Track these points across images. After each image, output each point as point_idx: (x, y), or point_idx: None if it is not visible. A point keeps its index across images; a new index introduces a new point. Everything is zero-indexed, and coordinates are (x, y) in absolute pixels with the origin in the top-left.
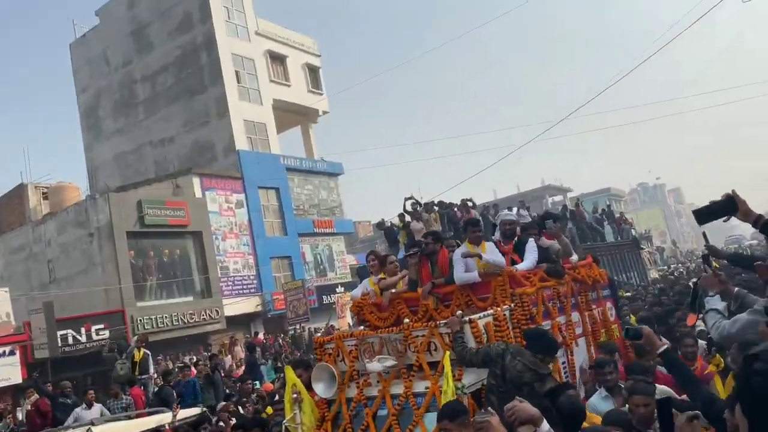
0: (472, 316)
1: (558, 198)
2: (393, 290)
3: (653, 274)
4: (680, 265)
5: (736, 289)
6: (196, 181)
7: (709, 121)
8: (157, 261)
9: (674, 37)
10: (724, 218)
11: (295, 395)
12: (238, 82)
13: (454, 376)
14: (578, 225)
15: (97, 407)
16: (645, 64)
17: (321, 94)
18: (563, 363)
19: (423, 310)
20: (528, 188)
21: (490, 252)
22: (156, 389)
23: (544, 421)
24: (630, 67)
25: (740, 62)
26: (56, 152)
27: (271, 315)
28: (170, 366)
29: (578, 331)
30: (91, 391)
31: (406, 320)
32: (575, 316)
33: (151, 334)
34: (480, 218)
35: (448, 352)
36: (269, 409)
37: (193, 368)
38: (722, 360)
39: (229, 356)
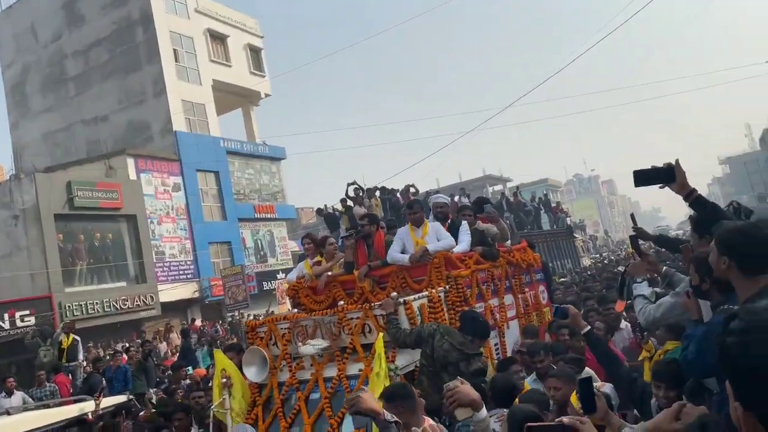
0: (407, 298)
1: (498, 187)
2: (329, 273)
3: (586, 261)
4: (611, 253)
5: (664, 268)
6: (130, 163)
7: (643, 115)
8: (87, 245)
9: (608, 33)
10: (660, 185)
11: (224, 380)
12: (177, 60)
13: (387, 357)
14: (516, 213)
15: (19, 395)
16: (584, 56)
17: (263, 76)
18: (495, 345)
19: (359, 292)
20: (469, 177)
21: (433, 232)
22: (84, 377)
23: (484, 407)
24: (571, 58)
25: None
26: None
27: (209, 301)
28: (101, 353)
29: (511, 313)
30: (11, 379)
31: (341, 303)
32: (508, 298)
33: (81, 321)
34: (420, 200)
35: (381, 334)
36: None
37: (124, 355)
38: (653, 347)
39: (164, 343)
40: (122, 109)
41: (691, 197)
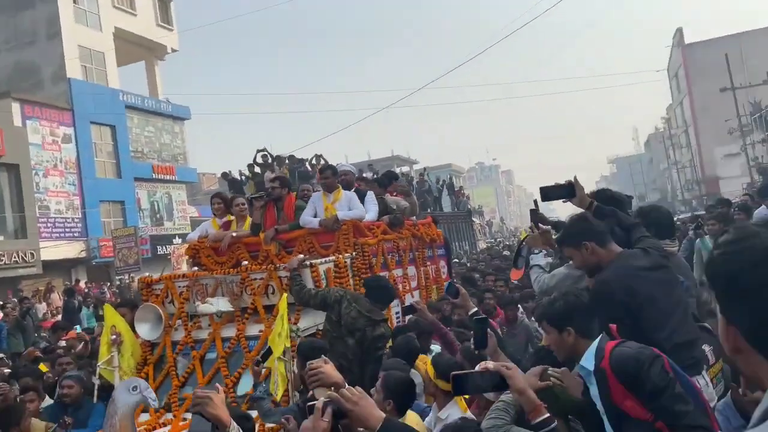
0: (314, 261)
1: (405, 168)
2: (233, 234)
3: (482, 244)
4: (504, 239)
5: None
6: (15, 107)
7: (543, 109)
8: None
9: (520, 27)
10: (564, 200)
11: (114, 336)
12: (75, 2)
13: (290, 319)
14: (421, 194)
15: None
16: (496, 47)
17: (171, 30)
18: (396, 313)
19: (264, 255)
20: (378, 156)
21: (345, 200)
22: None
23: (346, 386)
24: (484, 47)
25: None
26: None
27: (96, 263)
28: None
29: (413, 284)
30: None
31: (245, 262)
32: (411, 270)
33: None
34: (333, 166)
35: (285, 295)
36: (42, 366)
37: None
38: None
39: (44, 303)
40: (9, 49)
41: (591, 208)
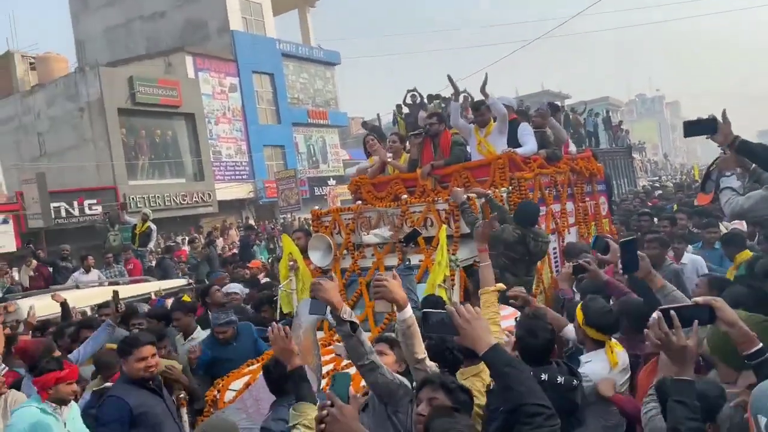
0: (471, 194)
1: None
2: (391, 172)
3: (643, 182)
4: (669, 177)
5: (753, 165)
6: (188, 61)
7: (715, 31)
8: (149, 141)
9: None
10: (706, 136)
11: (291, 263)
12: None
13: (448, 250)
14: (575, 130)
15: (95, 272)
16: None
17: None
18: (554, 249)
19: (420, 190)
20: (526, 92)
21: (496, 130)
22: (155, 261)
23: (408, 307)
24: None
25: None
26: (43, 21)
27: (263, 202)
28: (163, 244)
29: (571, 220)
30: (90, 257)
31: (404, 196)
32: (570, 205)
33: None
34: (486, 102)
35: (444, 227)
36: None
37: (185, 247)
38: None
39: (221, 239)
40: (179, 5)
41: (735, 144)
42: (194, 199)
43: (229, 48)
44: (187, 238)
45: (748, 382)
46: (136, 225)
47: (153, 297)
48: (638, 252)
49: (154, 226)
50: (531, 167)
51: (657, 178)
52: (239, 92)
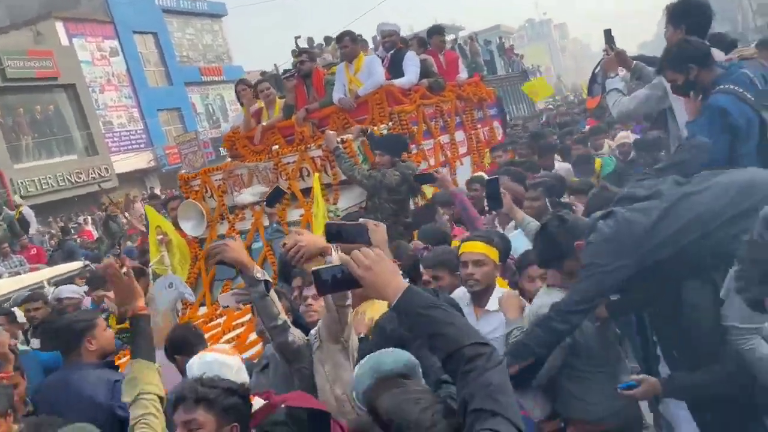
0: (345, 136)
1: (450, 37)
2: (264, 123)
3: (540, 105)
4: (564, 97)
5: (634, 62)
6: (59, 27)
7: None
8: (29, 118)
9: None
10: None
11: (160, 237)
12: None
13: (328, 200)
14: (474, 59)
15: None
16: None
17: None
18: None
19: (299, 137)
20: (421, 28)
21: (366, 68)
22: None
23: (332, 249)
24: None
25: None
26: None
27: (166, 170)
28: (65, 228)
29: (462, 150)
30: None
31: (275, 147)
32: (460, 135)
33: (36, 197)
34: (350, 31)
35: (317, 175)
36: None
37: (88, 227)
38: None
39: (126, 214)
40: None
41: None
42: (90, 175)
43: (102, 9)
44: (89, 218)
45: None
46: (13, 215)
47: (46, 286)
48: (500, 189)
49: (28, 210)
50: (412, 99)
51: (552, 98)
52: (122, 56)
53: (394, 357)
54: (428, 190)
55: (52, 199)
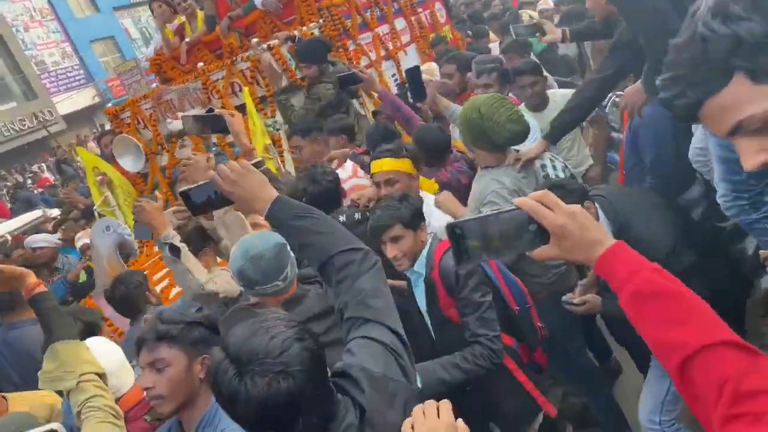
0: (271, 42)
1: None
2: (188, 40)
3: None
4: None
5: None
6: None
7: None
8: None
9: None
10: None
11: (99, 177)
12: None
13: (266, 114)
14: None
15: None
16: None
17: None
18: (393, 75)
19: (227, 50)
20: None
21: None
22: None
23: (169, 231)
24: None
25: None
26: None
27: (113, 104)
28: (20, 179)
29: (405, 39)
30: None
31: (200, 64)
32: (400, 22)
33: None
34: None
35: (246, 89)
36: None
37: (46, 174)
38: None
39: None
40: None
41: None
42: (34, 121)
43: None
44: (43, 165)
45: None
46: None
47: (9, 238)
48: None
49: None
50: None
51: None
52: None
53: (263, 239)
54: None
55: (1, 151)
